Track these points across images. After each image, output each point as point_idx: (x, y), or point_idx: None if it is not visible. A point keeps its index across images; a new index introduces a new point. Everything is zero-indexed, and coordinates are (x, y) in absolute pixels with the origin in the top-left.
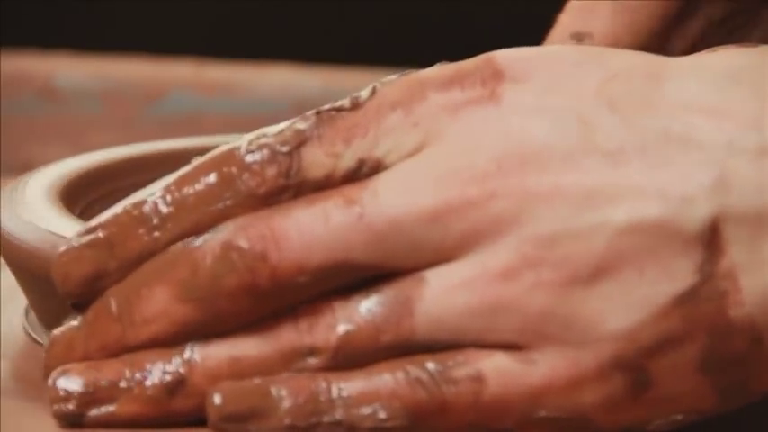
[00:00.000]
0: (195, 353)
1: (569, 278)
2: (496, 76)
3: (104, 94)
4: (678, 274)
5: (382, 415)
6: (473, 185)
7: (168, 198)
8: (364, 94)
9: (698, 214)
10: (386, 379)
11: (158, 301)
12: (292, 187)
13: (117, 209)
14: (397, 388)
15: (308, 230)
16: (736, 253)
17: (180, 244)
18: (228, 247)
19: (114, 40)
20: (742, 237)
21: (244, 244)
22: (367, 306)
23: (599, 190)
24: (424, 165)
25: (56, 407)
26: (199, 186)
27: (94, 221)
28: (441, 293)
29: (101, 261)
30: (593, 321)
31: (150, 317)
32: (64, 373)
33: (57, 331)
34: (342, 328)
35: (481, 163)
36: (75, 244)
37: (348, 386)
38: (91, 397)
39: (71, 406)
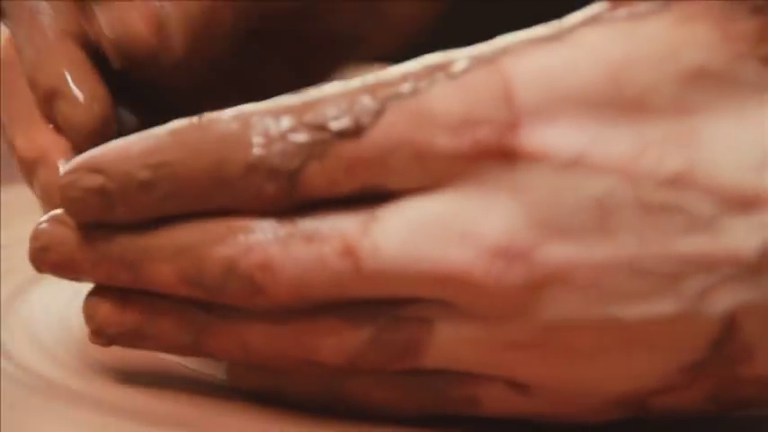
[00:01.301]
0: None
1: (572, 355)
2: (513, 125)
3: None
4: (689, 349)
5: None
6: (477, 257)
7: (162, 172)
8: (366, 117)
9: (714, 311)
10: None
11: (165, 277)
12: (293, 201)
13: (111, 152)
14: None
15: (305, 270)
16: (753, 333)
17: (179, 235)
18: (231, 266)
19: None
20: (761, 322)
21: (244, 269)
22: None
23: (610, 287)
24: (430, 216)
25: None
26: (196, 176)
27: (97, 156)
28: (447, 344)
29: (105, 208)
30: (599, 383)
31: (158, 284)
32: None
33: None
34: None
35: (489, 233)
36: (88, 184)
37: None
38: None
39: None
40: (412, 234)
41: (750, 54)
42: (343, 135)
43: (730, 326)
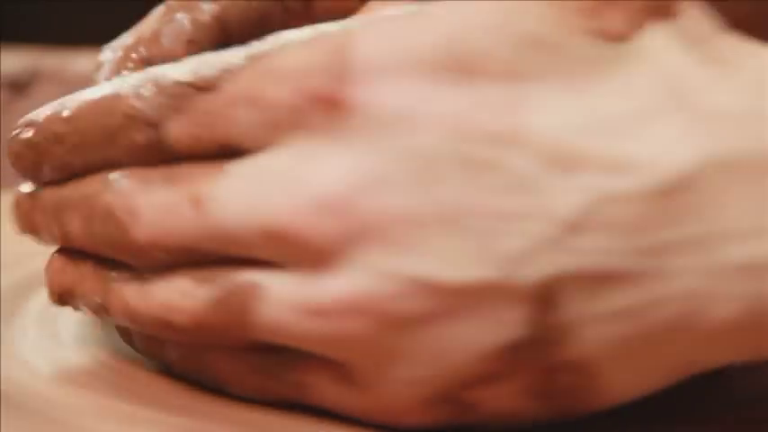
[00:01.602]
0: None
1: (400, 318)
2: (346, 78)
3: None
4: (506, 327)
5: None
6: (299, 211)
7: (71, 126)
8: (225, 74)
9: (530, 275)
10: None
11: (75, 229)
12: (164, 155)
13: (42, 113)
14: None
15: (162, 216)
16: (571, 309)
17: (82, 186)
18: (107, 211)
19: None
20: (578, 295)
21: (117, 215)
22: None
23: (421, 247)
24: (265, 170)
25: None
26: (92, 127)
27: (33, 117)
28: (276, 305)
29: (34, 162)
30: (414, 363)
31: (73, 239)
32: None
33: (18, 195)
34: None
35: (313, 186)
36: (22, 136)
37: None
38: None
39: None
40: (248, 189)
41: (582, 28)
42: (202, 89)
43: (547, 297)
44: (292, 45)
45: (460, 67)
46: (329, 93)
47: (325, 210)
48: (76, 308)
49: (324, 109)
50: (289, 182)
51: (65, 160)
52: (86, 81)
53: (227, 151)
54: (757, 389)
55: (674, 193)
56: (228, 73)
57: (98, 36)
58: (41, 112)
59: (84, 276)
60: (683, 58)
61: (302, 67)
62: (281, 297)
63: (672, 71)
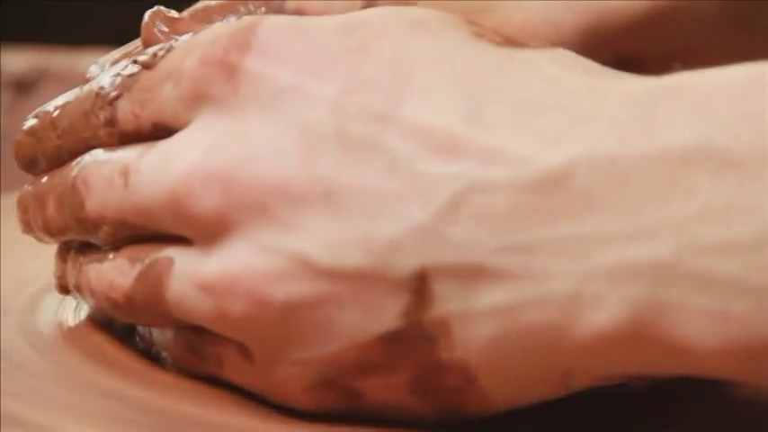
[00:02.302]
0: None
1: (280, 298)
2: (245, 47)
3: None
4: (382, 316)
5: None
6: (183, 181)
7: (61, 114)
8: (161, 51)
9: (404, 263)
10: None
11: (50, 208)
12: (117, 133)
13: (50, 103)
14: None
15: (103, 189)
16: (447, 304)
17: (62, 170)
18: (73, 186)
19: None
20: (453, 289)
21: (77, 188)
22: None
23: (300, 225)
24: (174, 144)
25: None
26: (76, 110)
27: (42, 108)
28: (180, 281)
29: (33, 150)
30: (297, 345)
31: (47, 217)
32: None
33: (20, 194)
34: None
35: (194, 155)
36: (25, 126)
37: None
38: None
39: None
40: (159, 162)
41: (467, 28)
42: (146, 67)
43: (422, 288)
44: (217, 24)
45: (351, 48)
46: (229, 60)
47: (210, 182)
48: (68, 294)
49: (225, 77)
50: (185, 154)
51: (57, 145)
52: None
53: (161, 130)
54: (756, 389)
55: (546, 191)
56: (165, 50)
57: (104, 36)
58: (49, 103)
59: (68, 262)
60: (561, 67)
61: (211, 39)
62: (184, 273)
63: (551, 74)
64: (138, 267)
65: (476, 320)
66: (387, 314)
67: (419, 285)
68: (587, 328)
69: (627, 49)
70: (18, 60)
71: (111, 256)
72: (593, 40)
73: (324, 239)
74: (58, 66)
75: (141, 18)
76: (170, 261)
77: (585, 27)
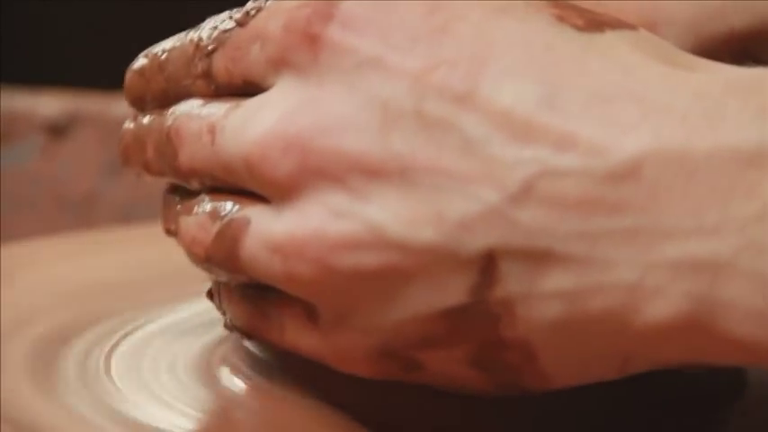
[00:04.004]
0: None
1: (349, 264)
2: (328, 17)
3: None
4: (448, 292)
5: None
6: (261, 143)
7: (167, 59)
8: (253, 10)
9: (474, 243)
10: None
11: (149, 152)
12: (212, 86)
13: (160, 45)
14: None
15: (193, 143)
16: (512, 285)
17: (163, 115)
18: (168, 135)
19: None
20: (519, 271)
21: (171, 138)
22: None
23: (374, 197)
24: (257, 105)
25: None
26: (180, 56)
27: (152, 48)
28: (253, 239)
29: (142, 90)
30: (362, 312)
31: (147, 160)
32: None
33: (123, 130)
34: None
35: (283, 131)
36: (135, 66)
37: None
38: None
39: None
40: (242, 121)
41: (548, 11)
42: (239, 24)
43: (489, 268)
44: None
45: (434, 27)
46: (311, 30)
47: (285, 149)
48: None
49: (306, 45)
50: (263, 119)
51: (163, 88)
52: None
53: (252, 87)
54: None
55: (615, 181)
56: (256, 9)
57: None
58: (157, 45)
59: (170, 206)
60: (639, 54)
61: (296, 5)
62: (257, 231)
63: (628, 63)
64: (218, 225)
65: (539, 303)
66: (453, 290)
67: (486, 265)
68: (647, 318)
69: (741, 50)
70: (52, 104)
71: (197, 210)
72: (708, 43)
73: (396, 213)
74: (92, 109)
75: None
76: (247, 220)
77: (705, 31)
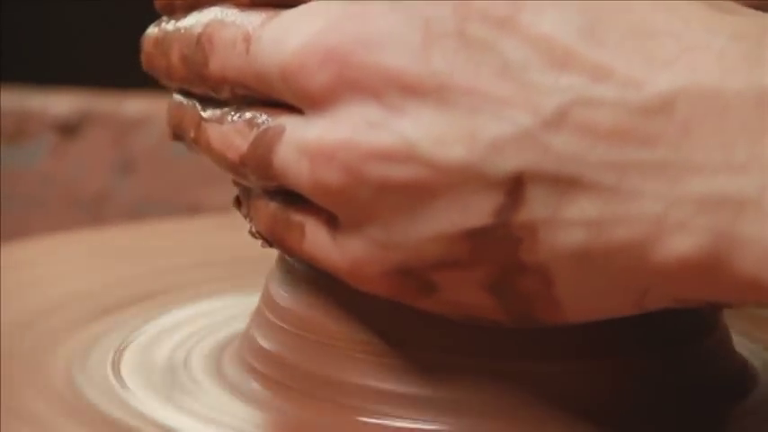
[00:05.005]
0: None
1: (376, 175)
2: None
3: None
4: (473, 212)
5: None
6: (310, 67)
7: None
8: None
9: (503, 165)
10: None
11: (174, 57)
12: None
13: None
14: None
15: (226, 51)
16: (538, 209)
17: (191, 20)
18: (198, 42)
19: None
20: (546, 196)
21: (202, 43)
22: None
23: (408, 113)
24: (293, 15)
25: None
26: None
27: None
28: (286, 146)
29: None
30: (385, 226)
31: (171, 65)
32: None
33: (146, 35)
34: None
35: (323, 42)
36: None
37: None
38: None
39: None
40: (279, 31)
41: None
42: None
43: (516, 190)
44: None
45: None
46: None
47: (324, 60)
48: (185, 143)
49: None
50: (303, 29)
51: None
52: (137, 124)
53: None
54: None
55: (648, 114)
56: None
57: (147, 79)
58: None
59: (186, 113)
60: None
61: None
62: (291, 138)
63: (671, 2)
64: (255, 132)
65: (563, 229)
66: (478, 211)
67: (514, 188)
68: (668, 251)
69: None
70: (62, 103)
71: (231, 117)
72: None
73: (429, 130)
74: (103, 109)
75: None
76: (281, 129)
77: None
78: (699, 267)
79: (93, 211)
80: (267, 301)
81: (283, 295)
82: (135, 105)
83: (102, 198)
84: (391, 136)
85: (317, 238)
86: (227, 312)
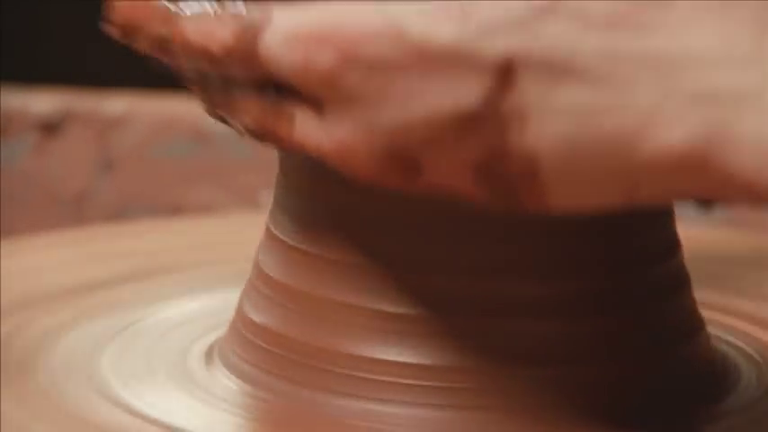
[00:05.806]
0: None
1: (365, 57)
2: None
3: None
4: (462, 94)
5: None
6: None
7: None
8: None
9: (494, 47)
10: None
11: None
12: None
13: None
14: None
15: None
16: (527, 95)
17: None
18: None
19: None
20: (536, 81)
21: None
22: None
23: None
24: None
25: None
26: None
27: None
28: (273, 33)
29: None
30: (374, 107)
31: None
32: None
33: None
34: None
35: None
36: None
37: None
38: None
39: None
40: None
41: None
42: None
43: (506, 75)
44: None
45: None
46: None
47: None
48: (136, 44)
49: None
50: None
51: None
52: (119, 123)
53: None
54: None
55: (648, 3)
56: None
57: (130, 78)
58: None
59: (153, 10)
60: None
61: None
62: (279, 24)
63: None
64: (239, 22)
65: (552, 115)
66: (467, 93)
67: (504, 72)
68: (659, 143)
69: None
70: (44, 102)
71: (211, 9)
72: None
73: (421, 9)
74: (84, 107)
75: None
76: (268, 15)
77: None
78: (690, 161)
79: (74, 209)
80: (258, 274)
81: (271, 269)
82: (117, 104)
83: (83, 197)
84: (381, 17)
85: (307, 126)
86: (216, 310)
